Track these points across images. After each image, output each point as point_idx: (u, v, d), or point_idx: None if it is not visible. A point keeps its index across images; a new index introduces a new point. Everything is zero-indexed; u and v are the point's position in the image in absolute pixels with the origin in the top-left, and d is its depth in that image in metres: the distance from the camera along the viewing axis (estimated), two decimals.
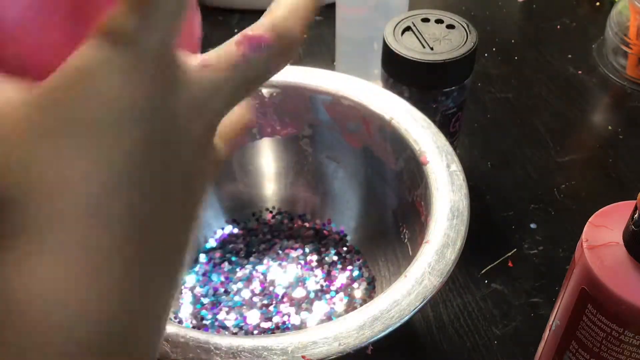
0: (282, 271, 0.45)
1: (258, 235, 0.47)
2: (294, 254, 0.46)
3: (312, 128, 0.45)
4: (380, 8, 0.52)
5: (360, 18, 0.53)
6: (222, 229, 0.47)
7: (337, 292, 0.44)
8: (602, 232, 0.30)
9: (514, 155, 0.54)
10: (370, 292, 0.43)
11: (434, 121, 0.41)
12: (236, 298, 0.43)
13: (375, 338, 0.30)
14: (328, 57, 0.64)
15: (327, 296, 0.43)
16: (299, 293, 0.43)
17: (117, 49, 0.18)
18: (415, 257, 0.34)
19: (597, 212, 0.32)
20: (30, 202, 0.17)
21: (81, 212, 0.18)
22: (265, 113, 0.44)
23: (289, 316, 0.42)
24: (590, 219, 0.31)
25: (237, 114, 0.26)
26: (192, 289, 0.44)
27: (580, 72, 0.63)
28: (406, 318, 0.31)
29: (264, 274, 0.45)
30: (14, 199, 0.17)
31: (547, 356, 0.35)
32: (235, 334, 0.42)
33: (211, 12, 0.70)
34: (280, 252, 0.46)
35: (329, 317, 0.42)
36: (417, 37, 0.44)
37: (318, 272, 0.45)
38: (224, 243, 0.47)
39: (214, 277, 0.45)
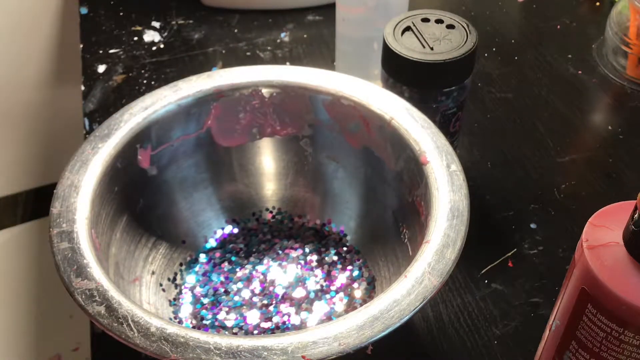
0: (282, 271, 0.45)
1: (258, 235, 0.47)
2: (294, 254, 0.46)
3: (312, 128, 0.45)
4: (380, 8, 0.52)
5: (360, 18, 0.53)
6: (222, 229, 0.47)
7: (337, 292, 0.44)
8: (602, 232, 0.30)
9: (514, 155, 0.54)
10: (370, 292, 0.44)
11: (434, 121, 0.41)
12: (236, 298, 0.43)
13: (375, 338, 0.30)
14: (328, 57, 0.64)
15: (327, 296, 0.43)
16: (299, 293, 0.43)
17: None
18: (415, 257, 0.34)
19: (597, 212, 0.32)
20: None
21: None
22: (265, 113, 0.44)
23: (289, 316, 0.42)
24: (590, 219, 0.31)
25: None
26: (192, 289, 0.44)
27: (580, 72, 0.63)
28: (406, 318, 0.31)
29: (264, 274, 0.45)
30: None
31: (547, 356, 0.35)
32: (235, 334, 0.42)
33: (211, 12, 0.70)
34: (280, 252, 0.46)
35: (329, 317, 0.42)
36: (417, 37, 0.44)
37: (318, 272, 0.45)
38: (224, 243, 0.47)
39: (214, 277, 0.45)
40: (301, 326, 0.42)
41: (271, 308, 0.43)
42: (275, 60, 0.64)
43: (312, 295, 0.43)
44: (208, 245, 0.47)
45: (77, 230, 0.35)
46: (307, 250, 0.46)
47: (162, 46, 0.66)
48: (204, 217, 0.47)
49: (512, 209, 0.50)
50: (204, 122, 0.43)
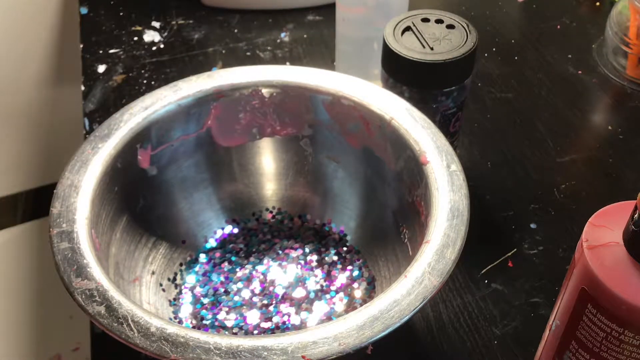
0: (282, 271, 0.45)
1: (258, 235, 0.47)
2: (294, 254, 0.46)
3: (312, 128, 0.45)
4: (380, 8, 0.52)
5: (360, 18, 0.53)
6: (222, 229, 0.47)
7: (337, 292, 0.44)
8: (602, 232, 0.30)
9: (514, 155, 0.54)
10: (370, 292, 0.44)
11: (434, 121, 0.41)
12: (236, 298, 0.43)
13: (375, 338, 0.30)
14: (328, 57, 0.64)
15: (327, 296, 0.43)
16: (299, 293, 0.43)
17: None
18: (415, 257, 0.34)
19: (597, 212, 0.32)
20: None
21: None
22: (265, 113, 0.44)
23: (289, 316, 0.42)
24: (590, 219, 0.31)
25: None
26: (192, 289, 0.44)
27: (580, 72, 0.63)
28: (406, 318, 0.31)
29: (264, 274, 0.45)
30: None
31: (547, 356, 0.35)
32: (235, 334, 0.42)
33: (211, 12, 0.70)
34: (280, 252, 0.46)
35: (329, 317, 0.42)
36: (417, 37, 0.44)
37: (318, 272, 0.45)
38: (224, 243, 0.47)
39: (214, 277, 0.45)
40: (301, 326, 0.42)
41: (271, 308, 0.43)
42: (275, 60, 0.64)
43: (312, 295, 0.43)
44: (208, 245, 0.47)
45: (77, 230, 0.35)
46: (307, 250, 0.46)
47: (162, 46, 0.66)
48: (204, 217, 0.47)
49: (512, 209, 0.50)
50: (204, 122, 0.43)
